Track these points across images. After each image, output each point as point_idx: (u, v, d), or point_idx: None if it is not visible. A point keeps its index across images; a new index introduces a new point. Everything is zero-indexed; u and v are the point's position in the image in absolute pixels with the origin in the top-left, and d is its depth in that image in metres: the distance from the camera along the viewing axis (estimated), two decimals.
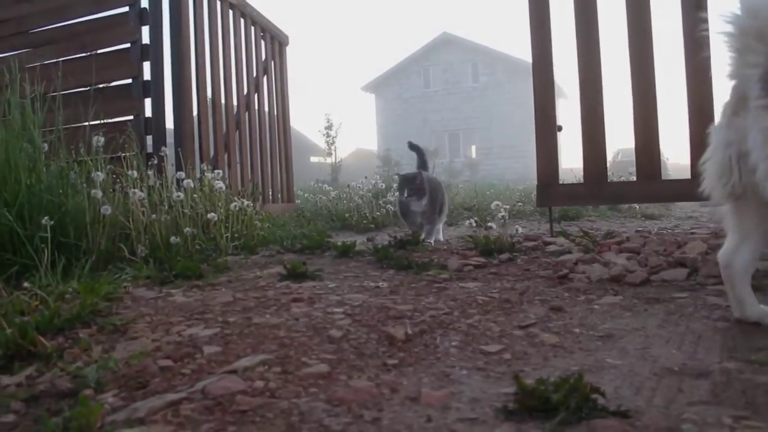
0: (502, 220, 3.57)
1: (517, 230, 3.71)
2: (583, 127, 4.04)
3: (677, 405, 1.32)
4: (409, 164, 20.49)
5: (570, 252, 3.29)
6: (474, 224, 3.77)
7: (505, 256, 3.29)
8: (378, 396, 1.43)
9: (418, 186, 3.84)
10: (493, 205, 3.82)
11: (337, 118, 22.18)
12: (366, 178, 8.52)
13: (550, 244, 3.68)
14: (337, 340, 1.83)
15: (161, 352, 1.78)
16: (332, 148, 22.10)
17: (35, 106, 3.43)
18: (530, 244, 3.67)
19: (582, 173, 4.11)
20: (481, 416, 1.30)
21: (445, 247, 3.81)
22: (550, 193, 4.14)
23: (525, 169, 29.74)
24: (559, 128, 4.12)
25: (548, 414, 1.28)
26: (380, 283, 2.69)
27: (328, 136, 22.10)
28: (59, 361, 1.80)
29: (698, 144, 3.80)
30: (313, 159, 29.51)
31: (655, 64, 3.92)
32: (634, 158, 4.07)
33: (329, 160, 22.59)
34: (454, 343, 1.82)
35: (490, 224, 3.58)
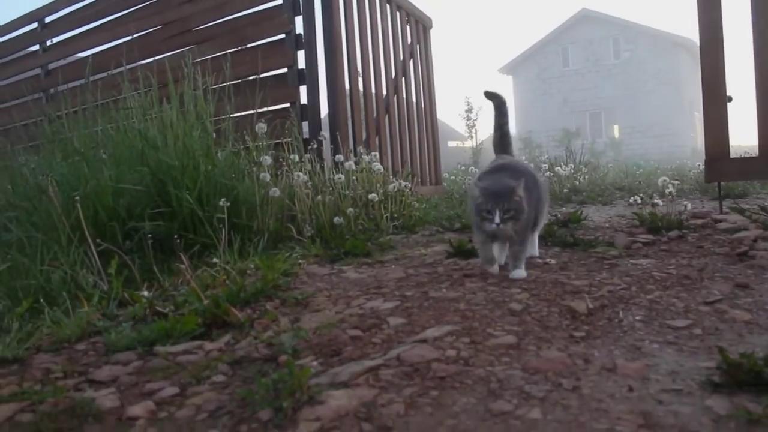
0: (670, 197, 3.42)
1: (686, 207, 3.53)
2: (758, 97, 3.74)
3: None
4: (551, 147, 19.94)
5: (746, 229, 3.10)
6: (639, 201, 3.61)
7: (674, 233, 3.15)
8: (572, 366, 1.42)
9: (517, 204, 2.28)
10: (659, 181, 3.64)
11: (475, 101, 21.86)
12: None
13: (720, 221, 3.48)
14: (519, 313, 1.83)
15: (346, 323, 1.86)
16: (473, 131, 21.95)
17: (207, 98, 3.65)
18: (699, 221, 3.49)
19: (739, 150, 3.82)
20: (685, 388, 1.27)
21: (607, 225, 3.70)
22: (720, 168, 3.89)
23: (671, 148, 28.28)
24: (729, 99, 3.86)
25: (760, 388, 1.23)
26: (548, 260, 2.66)
27: (468, 119, 21.98)
28: (251, 330, 1.92)
29: None
30: (451, 143, 29.52)
31: None
32: None
33: (468, 144, 22.46)
34: (638, 318, 1.78)
35: (656, 201, 3.43)
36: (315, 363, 1.53)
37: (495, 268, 2.46)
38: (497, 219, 2.23)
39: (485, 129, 33.39)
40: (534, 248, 2.77)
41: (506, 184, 2.31)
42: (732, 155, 4.00)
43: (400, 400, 1.28)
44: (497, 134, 2.94)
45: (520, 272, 2.35)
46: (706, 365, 1.38)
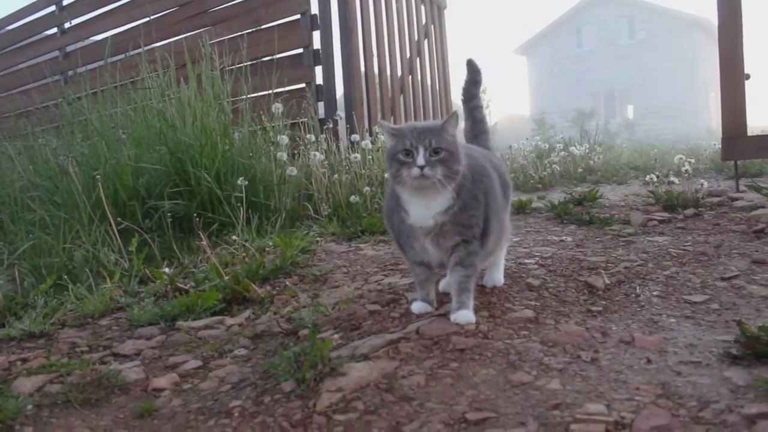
0: (686, 175, 3.40)
1: (702, 185, 3.51)
2: None
3: None
4: (565, 127, 19.83)
5: (763, 207, 3.09)
6: (655, 179, 3.59)
7: (690, 211, 3.14)
8: (590, 339, 1.43)
9: (449, 145, 1.52)
10: (676, 159, 3.62)
11: (489, 82, 21.54)
12: (527, 139, 8.42)
13: (737, 199, 3.47)
14: (537, 288, 1.84)
15: (365, 298, 1.88)
16: (487, 111, 21.86)
17: (224, 78, 3.66)
18: (715, 199, 3.47)
19: (755, 130, 3.77)
20: (704, 360, 1.28)
21: (622, 204, 3.69)
22: (738, 146, 3.86)
23: (686, 129, 27.88)
24: (747, 76, 3.82)
25: None
26: (564, 237, 2.67)
27: (482, 99, 21.83)
28: (271, 305, 1.95)
29: None
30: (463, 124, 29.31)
31: None
32: None
33: None
34: (654, 293, 1.79)
35: (672, 179, 3.41)
36: (335, 336, 1.56)
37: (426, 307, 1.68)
38: (421, 159, 1.47)
39: (499, 110, 33.12)
40: (500, 273, 1.93)
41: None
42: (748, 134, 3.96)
43: (420, 371, 1.30)
44: (468, 82, 2.30)
45: (467, 314, 1.56)
46: (724, 338, 1.39)
